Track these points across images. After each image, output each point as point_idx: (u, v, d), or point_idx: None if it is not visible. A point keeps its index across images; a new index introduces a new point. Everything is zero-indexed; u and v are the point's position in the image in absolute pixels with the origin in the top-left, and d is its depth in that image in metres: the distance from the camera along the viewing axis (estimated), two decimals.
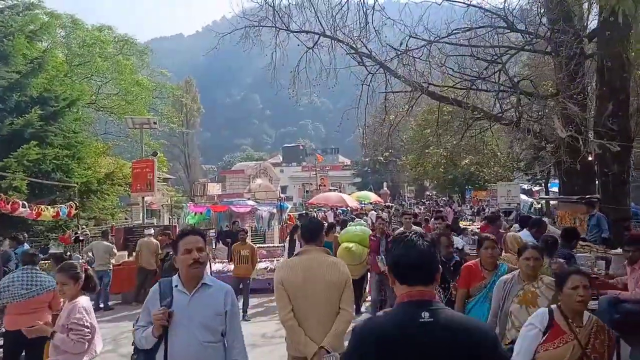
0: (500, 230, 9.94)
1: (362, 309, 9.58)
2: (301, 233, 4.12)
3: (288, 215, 13.91)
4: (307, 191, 51.40)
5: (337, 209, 23.23)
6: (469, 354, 1.80)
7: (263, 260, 10.99)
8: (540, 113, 11.90)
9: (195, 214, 11.35)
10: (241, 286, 9.60)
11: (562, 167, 11.70)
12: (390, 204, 34.83)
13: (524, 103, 12.05)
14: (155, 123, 12.62)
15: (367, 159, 63.31)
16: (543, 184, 29.00)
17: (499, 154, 32.66)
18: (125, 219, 19.85)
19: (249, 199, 12.54)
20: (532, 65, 15.71)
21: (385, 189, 42.42)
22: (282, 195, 10.74)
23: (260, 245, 11.13)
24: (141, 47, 20.18)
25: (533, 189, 31.35)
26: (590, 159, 11.09)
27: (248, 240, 10.17)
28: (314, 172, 37.67)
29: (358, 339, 1.84)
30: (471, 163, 31.71)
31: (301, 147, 79.76)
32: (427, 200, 41.94)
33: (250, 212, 11.48)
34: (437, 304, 1.89)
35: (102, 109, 21.37)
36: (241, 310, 8.67)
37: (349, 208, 20.35)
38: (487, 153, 31.83)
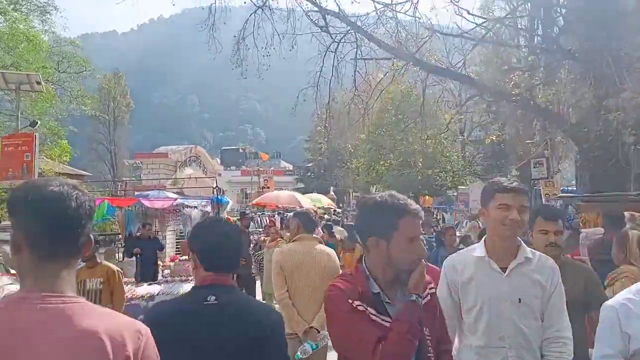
0: None
1: None
2: (301, 224, 4.31)
3: (226, 216, 10.56)
4: (246, 195, 47.92)
5: (284, 212, 19.94)
6: (253, 335, 1.86)
7: (190, 280, 7.37)
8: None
9: None
10: None
11: (589, 158, 9.02)
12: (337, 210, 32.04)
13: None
14: (39, 83, 8.80)
15: (310, 164, 60.79)
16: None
17: (455, 157, 30.77)
18: None
19: (177, 193, 9.05)
20: None
21: (332, 193, 39.76)
22: (218, 188, 7.41)
23: (186, 258, 7.68)
24: (42, 4, 16.01)
25: None
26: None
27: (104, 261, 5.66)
28: (257, 174, 34.20)
29: (148, 323, 1.43)
30: (425, 167, 29.58)
31: (241, 151, 75.70)
32: None
33: (173, 210, 7.97)
34: (228, 288, 1.96)
35: None
36: None
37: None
38: (442, 158, 29.82)
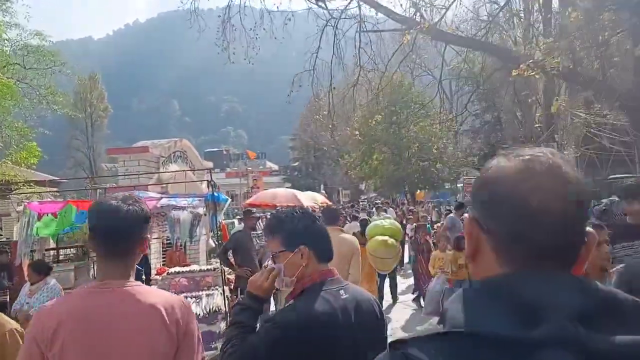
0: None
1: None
2: (323, 217, 4.96)
3: (222, 220, 9.02)
4: (233, 197, 46.37)
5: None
6: (378, 323, 1.92)
7: (184, 293, 5.95)
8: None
9: (42, 216, 5.84)
10: None
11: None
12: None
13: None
14: None
15: (297, 163, 59.27)
16: None
17: (450, 147, 29.64)
18: None
19: (163, 194, 7.32)
20: None
21: (323, 191, 38.47)
22: (212, 182, 5.85)
23: (179, 270, 6.04)
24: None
25: None
26: None
27: None
28: (245, 175, 32.47)
29: (298, 327, 1.68)
30: (420, 158, 28.42)
31: (225, 152, 73.84)
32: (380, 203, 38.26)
33: (157, 212, 6.36)
34: (337, 278, 1.91)
35: None
36: None
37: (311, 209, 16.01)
38: (436, 151, 28.67)
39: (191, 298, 5.68)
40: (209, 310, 5.92)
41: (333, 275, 1.87)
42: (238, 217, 15.85)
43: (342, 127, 23.83)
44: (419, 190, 33.53)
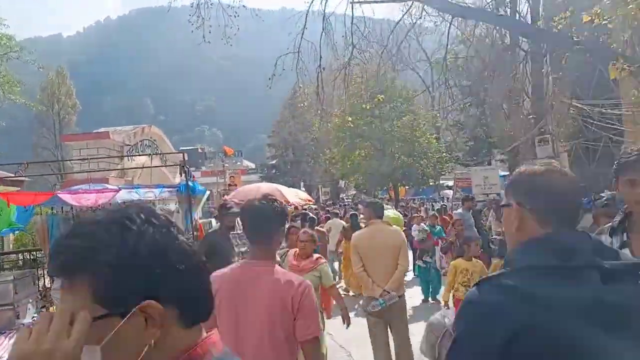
0: None
1: None
2: (372, 211, 5.32)
3: (197, 218, 7.69)
4: (209, 197, 44.87)
5: None
6: None
7: None
8: None
9: None
10: None
11: None
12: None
13: None
14: None
15: (274, 161, 57.86)
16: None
17: (434, 142, 28.81)
18: None
19: (134, 187, 5.80)
20: None
21: (303, 189, 37.35)
22: (187, 169, 4.70)
23: None
24: None
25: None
26: None
27: None
28: (222, 173, 30.93)
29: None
30: (404, 154, 27.55)
31: (200, 151, 71.94)
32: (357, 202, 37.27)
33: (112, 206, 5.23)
34: None
35: None
36: None
37: (293, 205, 14.67)
38: (419, 148, 27.79)
39: None
40: None
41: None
42: (215, 216, 14.62)
43: (326, 119, 22.66)
44: (401, 187, 32.69)
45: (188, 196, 4.79)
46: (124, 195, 5.03)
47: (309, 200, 18.99)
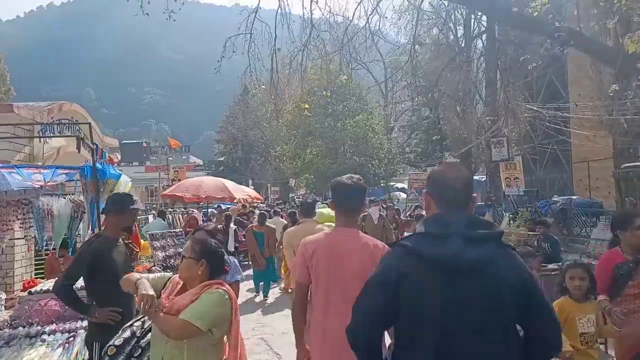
0: None
1: None
2: (302, 210, 6.13)
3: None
4: (152, 193, 43.17)
5: (208, 204, 16.19)
6: None
7: (53, 324, 3.61)
8: None
9: None
10: None
11: None
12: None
13: None
14: None
15: (222, 158, 56.18)
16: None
17: (385, 142, 28.44)
18: None
19: (16, 167, 4.40)
20: None
21: (252, 186, 36.29)
22: (94, 145, 3.78)
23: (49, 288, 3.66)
24: None
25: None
26: None
27: None
28: (165, 168, 29.23)
29: None
30: (357, 154, 27.05)
31: (144, 145, 68.93)
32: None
33: (15, 201, 3.90)
34: None
35: None
36: None
37: (237, 202, 13.64)
38: (372, 149, 27.33)
39: (60, 334, 3.50)
40: None
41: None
42: (154, 212, 13.36)
43: (279, 107, 21.69)
44: None
45: (95, 181, 3.69)
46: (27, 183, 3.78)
47: (257, 199, 18.05)
